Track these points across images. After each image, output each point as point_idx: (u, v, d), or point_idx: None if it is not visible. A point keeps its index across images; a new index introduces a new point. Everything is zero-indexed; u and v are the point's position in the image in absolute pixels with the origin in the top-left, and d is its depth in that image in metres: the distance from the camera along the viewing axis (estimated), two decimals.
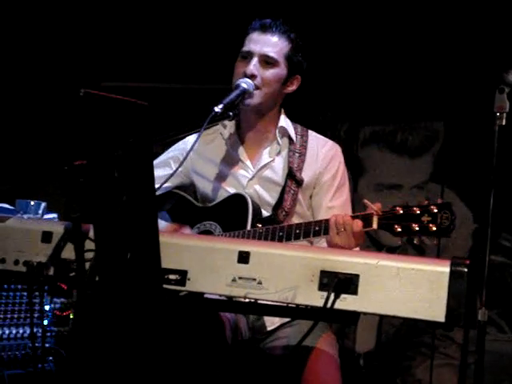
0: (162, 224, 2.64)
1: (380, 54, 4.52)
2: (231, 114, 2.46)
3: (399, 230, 2.12)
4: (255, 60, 2.53)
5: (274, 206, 2.57)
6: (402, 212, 2.13)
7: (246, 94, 2.50)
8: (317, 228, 2.31)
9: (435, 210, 2.07)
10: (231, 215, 2.53)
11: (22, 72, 4.78)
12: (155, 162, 2.74)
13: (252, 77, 2.51)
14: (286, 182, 2.58)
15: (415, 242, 2.13)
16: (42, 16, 4.66)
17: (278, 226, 2.39)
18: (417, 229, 2.09)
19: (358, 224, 2.22)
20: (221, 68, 2.96)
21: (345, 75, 4.63)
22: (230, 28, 4.30)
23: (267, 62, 2.54)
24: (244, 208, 2.49)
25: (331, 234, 2.27)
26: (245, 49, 2.57)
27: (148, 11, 4.70)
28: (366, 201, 2.32)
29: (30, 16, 4.65)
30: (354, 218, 2.25)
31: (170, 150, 2.78)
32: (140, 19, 4.72)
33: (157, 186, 2.37)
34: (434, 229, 2.06)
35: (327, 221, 2.30)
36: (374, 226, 2.19)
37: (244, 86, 2.50)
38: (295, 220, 2.57)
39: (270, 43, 2.55)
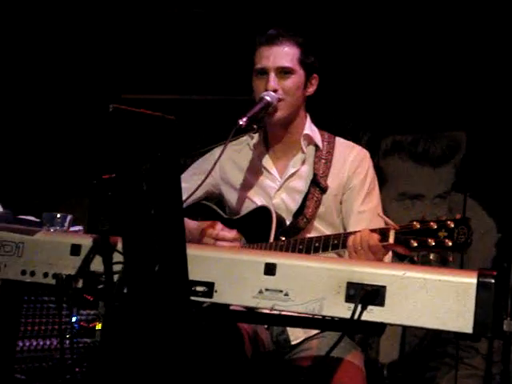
0: (194, 223, 2.65)
1: (402, 65, 4.52)
2: (255, 126, 2.48)
3: (415, 244, 2.11)
4: (272, 75, 2.56)
5: (296, 212, 2.59)
6: (419, 227, 2.12)
7: (270, 106, 2.53)
8: (335, 241, 2.32)
9: (452, 226, 2.06)
10: (255, 228, 2.54)
11: (48, 86, 4.83)
12: (184, 174, 2.78)
13: (275, 91, 2.54)
14: (310, 189, 2.60)
15: (431, 257, 2.12)
16: (62, 30, 4.72)
17: (298, 239, 2.40)
18: (433, 244, 2.07)
19: (373, 238, 2.21)
20: (245, 79, 2.99)
21: (367, 85, 4.63)
22: (251, 37, 4.34)
23: (284, 72, 2.57)
24: (268, 221, 2.51)
25: (349, 253, 2.27)
26: (259, 66, 2.60)
27: (167, 23, 4.73)
28: (381, 214, 2.33)
29: (49, 31, 4.71)
30: (371, 231, 2.25)
31: (198, 161, 2.81)
32: (158, 31, 4.76)
33: (184, 197, 2.41)
34: (450, 244, 2.05)
35: (346, 235, 2.31)
36: (391, 240, 2.18)
37: (268, 98, 2.52)
38: (319, 226, 2.59)
39: (281, 54, 2.57)
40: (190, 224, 2.63)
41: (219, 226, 2.57)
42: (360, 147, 2.71)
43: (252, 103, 2.53)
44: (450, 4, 4.25)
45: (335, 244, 2.31)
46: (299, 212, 2.57)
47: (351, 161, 2.63)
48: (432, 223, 2.09)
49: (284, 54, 2.57)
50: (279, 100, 2.55)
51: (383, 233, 2.21)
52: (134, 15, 4.69)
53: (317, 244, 2.33)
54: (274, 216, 2.51)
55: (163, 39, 4.78)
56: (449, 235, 2.06)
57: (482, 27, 4.25)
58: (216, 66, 4.76)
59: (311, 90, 2.66)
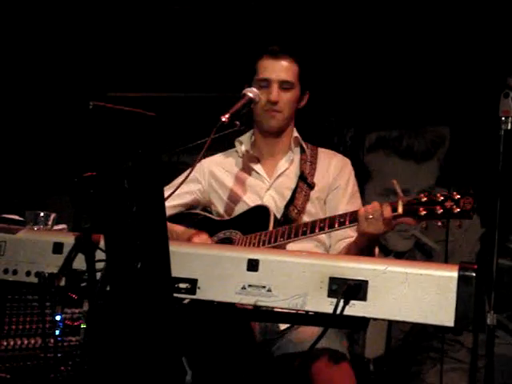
0: (180, 229, 2.67)
1: (385, 60, 4.54)
2: (238, 123, 2.49)
3: (424, 212, 2.19)
4: (275, 87, 2.66)
5: (286, 204, 2.66)
6: (426, 199, 2.20)
7: (252, 102, 2.58)
8: (341, 219, 2.37)
9: (458, 196, 2.15)
10: (252, 222, 2.58)
11: (30, 84, 4.81)
12: (170, 185, 2.77)
13: (276, 103, 2.66)
14: (298, 183, 2.69)
15: (439, 224, 2.19)
16: (47, 27, 4.70)
17: (302, 223, 2.46)
18: (441, 211, 2.16)
19: (387, 209, 2.27)
20: (229, 76, 3.01)
21: (349, 81, 4.65)
22: (236, 35, 4.34)
23: (286, 86, 2.68)
24: (265, 215, 2.58)
25: (361, 223, 2.33)
26: (261, 77, 2.69)
27: (153, 21, 4.73)
28: (394, 181, 2.36)
29: (34, 27, 4.69)
30: (381, 203, 2.33)
31: (185, 173, 2.82)
32: (145, 28, 4.75)
33: (175, 202, 2.48)
34: (458, 210, 2.14)
35: (355, 212, 2.36)
36: (400, 210, 2.25)
37: (250, 95, 2.58)
38: (307, 219, 2.62)
39: (284, 68, 2.69)
40: (176, 228, 2.67)
41: (204, 236, 2.60)
42: (341, 155, 2.84)
43: (235, 100, 2.54)
44: (433, 1, 4.27)
45: (342, 221, 2.36)
46: (290, 203, 2.65)
47: (334, 165, 2.75)
48: (438, 195, 2.19)
49: (287, 69, 2.69)
50: (277, 111, 2.66)
51: (392, 205, 2.28)
52: (121, 13, 4.68)
53: (322, 224, 2.39)
54: (271, 213, 2.57)
55: (149, 37, 4.77)
56: (455, 204, 2.15)
57: (466, 23, 4.27)
58: (201, 64, 4.75)
59: (302, 104, 2.78)
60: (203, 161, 2.80)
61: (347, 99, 4.74)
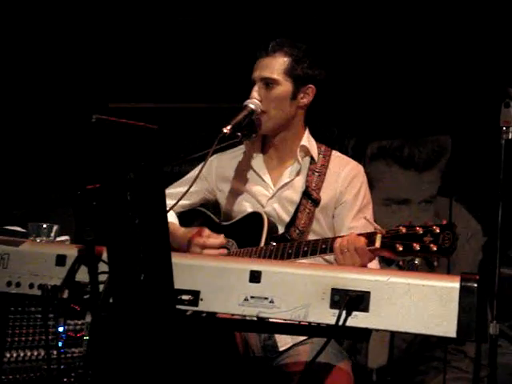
0: (181, 231, 2.65)
1: (387, 70, 4.55)
2: (240, 134, 2.50)
3: (401, 249, 2.11)
4: (257, 86, 2.58)
5: (288, 224, 2.59)
6: (404, 231, 2.12)
7: (253, 114, 2.55)
8: (323, 246, 2.31)
9: (437, 231, 2.06)
10: (247, 232, 2.56)
11: (33, 95, 4.83)
12: (181, 179, 2.78)
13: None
14: (301, 200, 2.60)
15: (416, 262, 2.14)
16: (50, 38, 4.71)
17: (288, 244, 2.40)
18: (418, 248, 2.08)
19: (360, 241, 2.20)
20: (231, 86, 3.00)
21: (351, 91, 4.65)
22: (240, 46, 4.35)
23: (268, 83, 2.58)
24: (259, 226, 2.53)
25: (337, 256, 2.26)
26: (251, 77, 2.63)
27: (155, 31, 4.74)
28: (367, 218, 2.34)
29: (37, 38, 4.70)
30: (358, 235, 2.25)
31: (196, 169, 2.81)
32: (146, 38, 4.76)
33: (173, 202, 2.42)
34: (435, 249, 2.05)
35: (334, 239, 2.31)
36: (377, 244, 2.18)
37: (251, 106, 2.54)
38: (312, 238, 2.56)
39: (267, 65, 2.59)
40: (178, 232, 2.63)
41: (206, 232, 2.57)
42: (355, 163, 2.71)
43: (237, 111, 2.54)
44: (434, 11, 4.28)
45: (323, 248, 2.31)
46: (291, 223, 2.58)
47: (344, 176, 2.62)
48: (418, 228, 2.09)
49: (270, 65, 2.59)
50: (262, 112, 2.57)
51: (370, 237, 2.21)
52: (124, 24, 4.70)
53: (305, 248, 2.34)
54: (265, 221, 2.52)
55: (151, 48, 4.79)
56: (434, 240, 2.06)
57: (467, 32, 4.28)
58: (202, 75, 4.76)
59: (305, 100, 2.64)
60: (211, 159, 2.69)
61: (349, 109, 4.75)
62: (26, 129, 4.82)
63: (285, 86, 2.58)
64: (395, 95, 4.60)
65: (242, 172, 2.73)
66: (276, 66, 2.58)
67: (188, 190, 2.46)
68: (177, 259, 1.75)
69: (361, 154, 4.77)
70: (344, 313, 1.66)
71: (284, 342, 2.47)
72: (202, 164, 2.49)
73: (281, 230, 2.59)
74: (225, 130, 2.43)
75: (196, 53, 4.73)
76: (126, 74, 4.88)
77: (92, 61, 4.82)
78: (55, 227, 2.70)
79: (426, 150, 4.68)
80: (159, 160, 1.67)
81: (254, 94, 2.57)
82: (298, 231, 2.56)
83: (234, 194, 2.72)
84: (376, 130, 4.77)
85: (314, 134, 2.77)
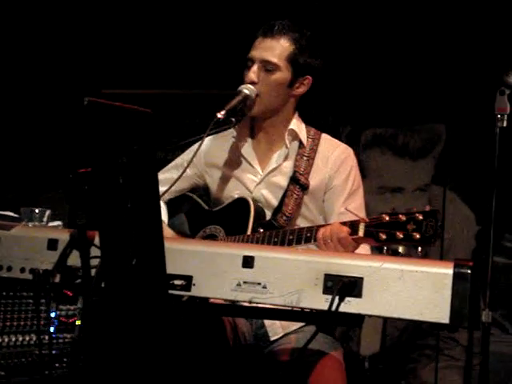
0: (170, 233, 2.65)
1: (381, 57, 4.54)
2: (233, 119, 2.47)
3: (384, 237, 2.09)
4: (255, 67, 2.51)
5: (275, 210, 2.56)
6: (388, 219, 2.09)
7: (248, 99, 2.49)
8: (308, 234, 2.29)
9: (420, 218, 2.03)
10: (234, 219, 2.53)
11: (24, 79, 4.80)
12: (170, 164, 2.76)
13: (253, 83, 2.50)
14: (289, 185, 2.56)
15: (400, 250, 2.12)
16: (41, 23, 4.69)
17: (274, 232, 2.38)
18: (401, 237, 2.05)
19: (343, 230, 2.18)
20: (225, 72, 2.97)
21: (346, 79, 4.64)
22: (233, 32, 4.34)
23: (267, 67, 2.50)
24: (246, 212, 2.50)
25: (319, 245, 2.25)
26: (248, 55, 2.55)
27: (148, 17, 4.72)
28: (348, 208, 2.32)
29: (28, 24, 4.68)
30: (341, 224, 2.22)
31: (185, 153, 2.78)
32: (139, 24, 4.74)
33: (166, 188, 2.40)
34: (418, 237, 2.03)
35: (318, 228, 2.29)
36: (361, 233, 2.15)
37: (246, 91, 2.49)
38: (301, 224, 2.55)
39: (270, 48, 2.51)
40: (165, 231, 2.61)
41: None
42: (344, 146, 2.65)
43: (231, 96, 2.51)
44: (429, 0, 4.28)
45: (308, 237, 2.29)
46: (278, 209, 2.55)
47: (333, 160, 2.58)
48: (401, 216, 2.07)
49: (273, 48, 2.51)
50: (256, 95, 2.51)
51: (353, 226, 2.18)
52: (116, 9, 4.67)
53: (291, 237, 2.32)
54: (252, 208, 2.50)
55: (144, 33, 4.76)
56: (417, 228, 2.03)
57: (462, 20, 4.27)
58: (195, 60, 4.74)
59: (300, 90, 2.58)
60: (199, 142, 2.63)
61: (344, 97, 4.74)
62: (18, 113, 4.80)
63: (284, 73, 2.52)
64: (390, 83, 4.59)
65: (230, 157, 2.68)
66: (279, 50, 2.51)
67: (181, 174, 2.44)
68: (169, 244, 1.74)
69: (355, 142, 4.77)
70: (337, 298, 1.66)
71: (275, 331, 2.45)
72: (196, 149, 2.46)
73: (269, 215, 2.56)
74: (219, 115, 2.40)
75: (190, 39, 4.71)
76: (119, 60, 4.85)
77: (85, 46, 4.79)
78: (47, 212, 2.69)
79: (420, 138, 4.68)
80: (152, 144, 1.66)
81: (252, 74, 2.51)
82: (285, 217, 2.53)
83: (223, 179, 2.68)
84: (370, 118, 4.76)
85: (308, 122, 2.74)
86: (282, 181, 2.60)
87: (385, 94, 4.64)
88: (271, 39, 2.52)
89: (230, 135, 2.70)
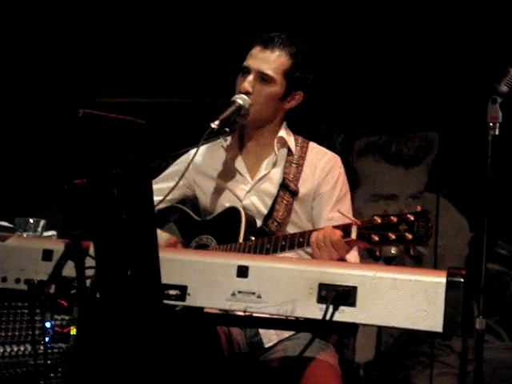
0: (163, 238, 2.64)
1: (375, 66, 4.56)
2: (227, 129, 2.48)
3: (377, 239, 2.12)
4: (251, 77, 2.53)
5: (265, 216, 2.58)
6: (380, 221, 2.12)
7: (241, 109, 2.50)
8: (301, 239, 2.31)
9: (412, 219, 2.07)
10: (225, 228, 2.54)
11: (20, 90, 4.80)
12: (161, 175, 2.77)
13: (247, 93, 2.52)
14: (279, 192, 2.58)
15: (393, 251, 2.14)
16: (36, 33, 4.69)
17: (266, 239, 2.39)
18: (393, 237, 2.08)
19: (336, 234, 2.21)
20: (218, 82, 2.97)
21: (340, 87, 4.66)
22: (228, 41, 4.35)
23: (263, 78, 2.52)
24: (237, 221, 2.51)
25: (313, 251, 2.26)
26: (244, 64, 2.57)
27: (143, 26, 4.73)
28: (341, 211, 2.33)
29: (23, 33, 4.68)
30: (334, 228, 2.25)
31: (175, 163, 2.80)
32: (135, 34, 4.75)
33: (160, 198, 2.41)
34: (410, 237, 2.06)
35: (310, 232, 2.31)
36: (353, 236, 2.18)
37: (240, 101, 2.50)
38: (290, 231, 2.56)
39: (268, 60, 2.53)
40: (162, 235, 2.62)
41: (174, 241, 2.60)
42: (332, 153, 2.69)
43: (224, 106, 2.52)
44: (421, 8, 4.29)
45: (301, 242, 2.30)
46: (268, 216, 2.57)
47: (322, 167, 2.61)
48: (392, 217, 2.10)
49: (271, 61, 2.53)
50: (250, 104, 2.52)
51: (346, 229, 2.21)
52: (111, 19, 4.68)
53: (283, 243, 2.33)
54: (243, 216, 2.51)
55: (138, 43, 4.77)
56: (409, 228, 2.06)
57: (454, 29, 4.29)
58: (190, 70, 4.76)
59: (291, 104, 2.62)
60: (190, 152, 2.63)
61: (337, 105, 4.75)
62: (13, 124, 4.80)
63: (278, 86, 2.55)
64: (383, 91, 4.61)
65: (219, 166, 2.70)
66: (277, 64, 2.53)
67: (177, 184, 2.45)
68: (164, 254, 1.75)
69: (349, 150, 4.79)
70: (331, 308, 1.67)
71: (269, 338, 2.46)
72: (190, 160, 2.46)
73: (259, 223, 2.57)
74: (213, 126, 2.41)
75: (183, 48, 4.72)
76: (114, 69, 4.86)
77: (79, 56, 4.80)
78: (42, 222, 2.69)
79: (413, 146, 4.70)
80: (146, 155, 1.66)
81: (247, 84, 2.52)
82: (276, 223, 2.54)
83: (212, 188, 2.69)
84: (364, 126, 4.78)
85: (302, 130, 2.76)
86: (271, 187, 2.62)
87: (378, 103, 4.66)
88: (271, 52, 2.54)
89: (218, 145, 2.71)
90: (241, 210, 2.54)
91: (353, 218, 2.22)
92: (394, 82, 4.56)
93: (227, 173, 2.69)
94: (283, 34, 2.58)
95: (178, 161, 2.79)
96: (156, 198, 2.36)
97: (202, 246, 2.59)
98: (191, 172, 2.68)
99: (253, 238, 2.46)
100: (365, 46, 4.52)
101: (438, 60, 4.38)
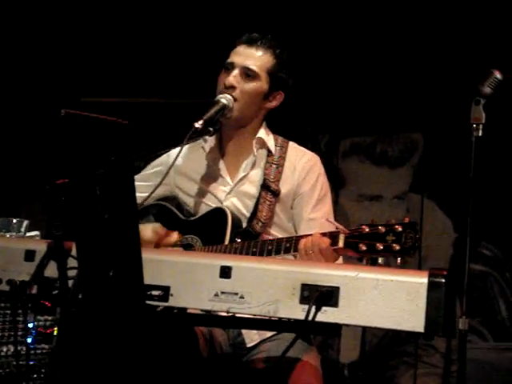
0: (148, 234, 2.63)
1: (359, 68, 4.57)
2: (211, 129, 2.47)
3: (364, 248, 2.12)
4: (236, 71, 2.54)
5: (250, 217, 2.58)
6: (368, 230, 2.13)
7: (225, 109, 2.51)
8: (287, 245, 2.31)
9: (400, 229, 2.07)
10: (211, 229, 2.54)
11: (3, 89, 4.78)
12: (140, 174, 2.77)
13: (231, 88, 2.52)
14: (261, 193, 2.58)
15: (379, 261, 2.14)
16: (20, 32, 4.67)
17: (252, 242, 2.39)
18: (381, 248, 2.09)
19: (325, 241, 2.21)
20: (202, 82, 2.97)
21: (324, 88, 4.67)
22: (212, 42, 4.35)
23: (248, 74, 2.54)
24: (223, 222, 2.51)
25: (300, 256, 2.27)
26: (228, 60, 2.58)
27: (127, 26, 4.72)
28: (330, 219, 2.35)
29: (8, 32, 4.65)
30: (322, 235, 2.25)
31: (154, 163, 2.79)
32: (119, 34, 4.74)
33: (145, 194, 2.41)
34: (398, 248, 2.07)
35: (297, 238, 2.31)
36: (341, 244, 2.18)
37: (224, 101, 2.50)
38: (274, 232, 2.58)
39: (253, 56, 2.56)
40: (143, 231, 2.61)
41: (175, 235, 2.59)
42: (311, 154, 2.69)
43: (208, 106, 2.52)
44: (406, 9, 4.31)
45: (287, 247, 2.31)
46: (252, 216, 2.57)
47: (301, 168, 2.62)
48: (380, 227, 2.10)
49: (256, 58, 2.56)
50: (234, 100, 2.53)
51: (333, 237, 2.21)
52: (98, 18, 4.66)
53: (270, 247, 2.33)
54: (229, 217, 2.51)
55: (123, 42, 4.76)
56: (396, 239, 2.07)
57: (438, 31, 4.31)
58: (174, 70, 4.75)
59: (273, 104, 2.63)
60: (170, 153, 2.68)
61: (322, 106, 4.76)
62: None
63: (262, 83, 2.57)
64: (368, 93, 4.63)
65: (200, 168, 2.70)
66: (261, 61, 2.56)
67: (160, 183, 2.45)
68: (147, 254, 1.74)
69: (334, 151, 4.80)
70: (313, 308, 1.67)
71: (251, 338, 2.47)
72: (174, 158, 2.46)
73: (244, 224, 2.57)
74: (197, 125, 2.41)
75: (168, 49, 4.71)
76: (99, 69, 4.85)
77: (64, 55, 4.78)
78: (25, 222, 2.68)
79: (398, 147, 4.71)
80: (130, 155, 1.66)
81: (231, 78, 2.53)
82: (260, 224, 2.55)
83: (193, 190, 2.69)
84: (349, 127, 4.79)
85: (286, 131, 2.77)
86: (252, 189, 2.62)
87: (363, 104, 4.67)
88: (256, 49, 2.57)
89: (198, 146, 2.70)
90: (227, 210, 2.54)
91: (339, 225, 2.23)
92: (378, 84, 4.57)
93: (207, 174, 2.69)
94: (267, 36, 2.61)
95: (158, 161, 2.78)
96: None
97: (187, 246, 2.59)
98: (171, 173, 2.66)
99: (239, 240, 2.46)
100: (350, 48, 4.53)
101: (422, 62, 4.40)
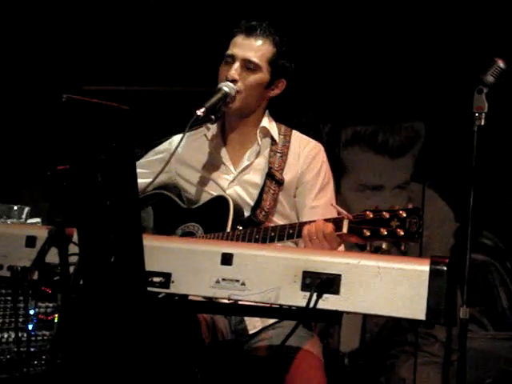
0: None
1: (361, 56, 4.55)
2: (213, 117, 2.47)
3: (368, 234, 2.12)
4: (237, 64, 2.54)
5: (253, 206, 2.58)
6: (371, 216, 2.13)
7: (227, 97, 2.51)
8: (291, 231, 2.32)
9: (404, 215, 2.08)
10: (213, 217, 2.54)
11: (3, 75, 4.77)
12: (141, 161, 2.76)
13: (233, 81, 2.52)
14: (265, 182, 2.59)
15: (383, 246, 2.14)
16: (20, 20, 4.66)
17: (255, 229, 2.40)
18: (385, 233, 2.09)
19: (328, 227, 2.22)
20: (204, 70, 2.96)
21: (326, 76, 4.66)
22: (213, 29, 4.33)
23: (249, 66, 2.54)
24: (225, 210, 2.51)
25: (304, 242, 2.27)
26: (228, 52, 2.58)
27: (129, 13, 4.70)
28: (334, 205, 2.34)
29: (7, 19, 4.64)
30: (326, 221, 2.26)
31: (156, 150, 2.78)
32: (121, 21, 4.72)
33: (146, 181, 2.42)
34: (402, 233, 2.07)
35: (301, 224, 2.32)
36: (345, 230, 2.19)
37: (226, 89, 2.50)
38: (277, 220, 2.59)
39: (253, 48, 2.56)
40: None
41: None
42: (315, 142, 2.70)
43: (210, 94, 2.52)
44: None
45: (290, 233, 2.32)
46: (257, 205, 2.57)
47: (305, 156, 2.63)
48: (384, 213, 2.11)
49: (256, 49, 2.56)
50: (237, 92, 2.53)
51: (337, 222, 2.22)
52: (96, 6, 4.65)
53: (272, 234, 2.34)
54: (231, 205, 2.51)
55: (124, 30, 4.75)
56: (401, 225, 2.08)
57: (440, 20, 4.30)
58: (176, 58, 4.74)
59: (275, 92, 2.64)
60: (172, 140, 2.68)
61: (324, 94, 4.75)
62: None
63: (264, 74, 2.57)
64: (370, 81, 4.61)
65: (202, 156, 2.70)
66: (262, 52, 2.56)
67: (163, 169, 2.45)
68: (148, 241, 1.75)
69: (335, 140, 4.78)
70: (315, 295, 1.67)
71: (253, 325, 2.47)
72: (176, 146, 2.46)
73: (246, 213, 2.57)
74: (198, 113, 2.40)
75: (170, 35, 4.70)
76: (100, 57, 4.83)
77: (65, 42, 4.77)
78: (26, 209, 2.68)
79: (399, 136, 4.70)
80: (131, 141, 1.66)
81: (233, 72, 2.53)
82: (264, 213, 2.56)
83: (195, 178, 2.69)
84: (350, 116, 4.78)
85: (289, 120, 2.76)
86: (256, 178, 2.63)
87: (365, 93, 4.66)
88: (255, 39, 2.57)
89: (200, 134, 2.71)
90: (229, 198, 2.54)
91: (342, 210, 2.23)
92: (380, 73, 4.56)
93: (210, 163, 2.69)
94: (264, 23, 2.61)
95: (160, 148, 2.77)
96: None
97: (189, 234, 2.59)
98: (172, 161, 2.65)
99: (240, 228, 2.46)
100: (352, 37, 4.51)
101: (424, 50, 4.38)
